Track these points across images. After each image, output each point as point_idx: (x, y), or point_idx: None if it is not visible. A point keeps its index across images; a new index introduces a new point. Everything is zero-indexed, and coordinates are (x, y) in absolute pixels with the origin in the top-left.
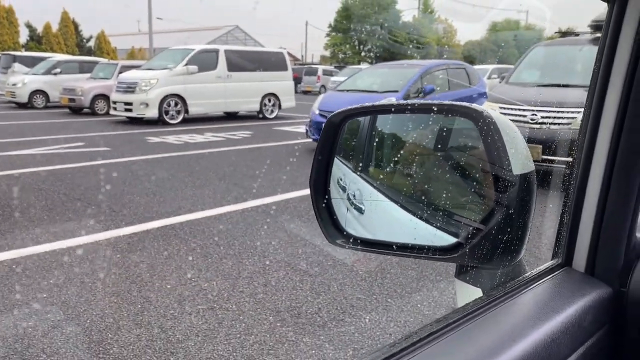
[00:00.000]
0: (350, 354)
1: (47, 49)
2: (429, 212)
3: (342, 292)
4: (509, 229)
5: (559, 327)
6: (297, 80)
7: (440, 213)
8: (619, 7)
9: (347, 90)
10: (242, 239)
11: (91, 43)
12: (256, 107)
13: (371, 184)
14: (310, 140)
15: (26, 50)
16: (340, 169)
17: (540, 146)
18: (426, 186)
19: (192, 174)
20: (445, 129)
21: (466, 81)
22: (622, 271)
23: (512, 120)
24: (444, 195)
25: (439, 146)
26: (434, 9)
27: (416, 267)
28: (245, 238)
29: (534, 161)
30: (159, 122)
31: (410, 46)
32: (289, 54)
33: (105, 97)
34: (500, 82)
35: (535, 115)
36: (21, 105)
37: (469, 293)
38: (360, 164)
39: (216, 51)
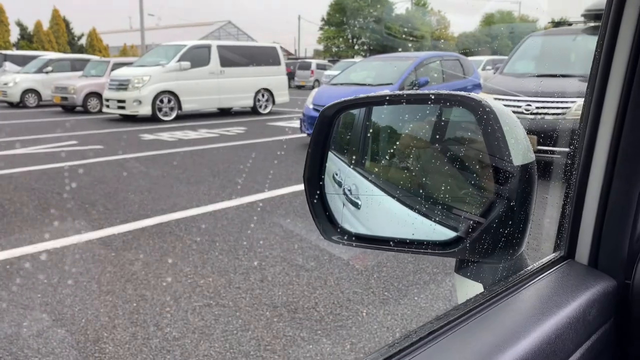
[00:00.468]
0: (348, 348)
1: (39, 47)
2: (427, 206)
3: (339, 286)
4: (510, 222)
5: (563, 322)
6: (290, 74)
7: (439, 207)
8: None
9: (341, 84)
10: (237, 235)
11: (82, 41)
12: (250, 102)
13: (367, 179)
14: (305, 135)
15: (17, 49)
16: (336, 164)
17: (535, 137)
18: (424, 179)
19: (187, 171)
20: (442, 120)
21: (460, 73)
22: (626, 263)
23: None
24: (443, 189)
25: (437, 137)
26: (426, 1)
27: (413, 260)
28: (241, 234)
29: None
30: (152, 119)
31: (403, 36)
32: (282, 48)
33: (97, 95)
34: (494, 74)
35: (530, 105)
36: (13, 105)
37: (469, 288)
38: (356, 158)
39: (208, 47)
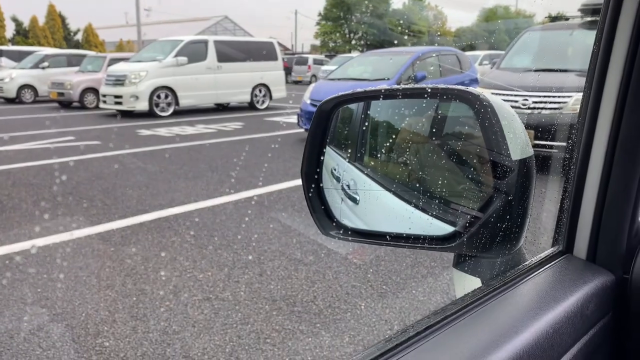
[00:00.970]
0: (347, 341)
1: (34, 42)
2: (425, 200)
3: (337, 280)
4: (508, 216)
5: (561, 317)
6: (287, 70)
7: (437, 201)
8: None
9: (339, 79)
10: (236, 230)
11: (79, 36)
12: (247, 98)
13: (365, 173)
14: (302, 130)
15: (13, 44)
16: (334, 159)
17: (533, 131)
18: (422, 174)
19: (184, 166)
20: (440, 115)
21: (458, 68)
22: (624, 257)
23: None
24: (441, 183)
25: (435, 132)
26: None
27: (411, 254)
28: (240, 229)
29: None
30: (149, 114)
31: (400, 29)
32: (279, 43)
33: (94, 91)
34: (491, 68)
35: (527, 100)
36: (9, 101)
37: (467, 283)
38: (354, 153)
39: (205, 42)
